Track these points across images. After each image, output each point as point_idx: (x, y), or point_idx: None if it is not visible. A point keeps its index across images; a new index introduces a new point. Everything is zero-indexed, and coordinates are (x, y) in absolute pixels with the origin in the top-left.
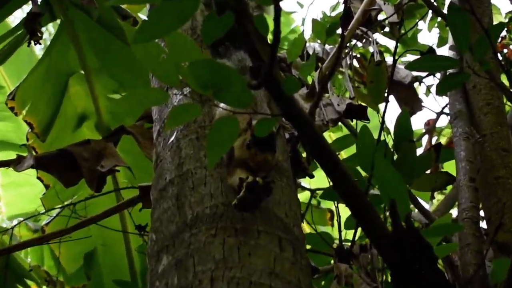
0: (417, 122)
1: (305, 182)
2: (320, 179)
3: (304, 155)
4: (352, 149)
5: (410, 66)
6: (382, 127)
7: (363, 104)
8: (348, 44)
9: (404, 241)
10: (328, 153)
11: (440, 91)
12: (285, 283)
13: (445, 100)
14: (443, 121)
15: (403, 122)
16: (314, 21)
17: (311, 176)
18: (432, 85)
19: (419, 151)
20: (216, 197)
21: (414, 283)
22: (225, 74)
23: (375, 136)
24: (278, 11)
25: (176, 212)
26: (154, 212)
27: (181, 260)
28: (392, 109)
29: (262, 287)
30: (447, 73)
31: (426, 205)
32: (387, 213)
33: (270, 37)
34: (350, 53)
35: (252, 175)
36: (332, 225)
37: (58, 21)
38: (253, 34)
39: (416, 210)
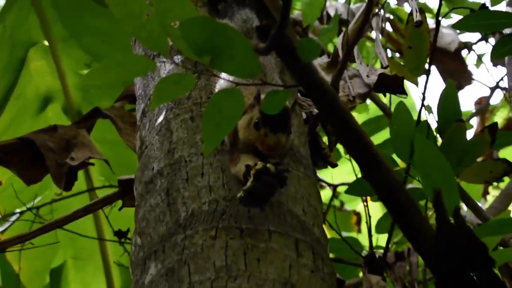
0: (466, 100)
1: (324, 175)
2: (342, 174)
3: (324, 140)
4: (384, 134)
5: (457, 25)
6: (423, 104)
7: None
8: (378, 2)
9: (453, 241)
10: (357, 132)
11: (495, 56)
12: None
13: (500, 71)
14: (498, 98)
15: (448, 98)
16: None
17: (334, 166)
18: (484, 54)
19: (469, 134)
20: (216, 190)
21: None
22: (226, 35)
23: (414, 116)
24: None
25: (166, 209)
26: (138, 211)
27: (173, 268)
28: (434, 83)
29: None
30: (505, 34)
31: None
32: (429, 212)
33: None
34: (381, 13)
35: (262, 162)
36: (359, 231)
37: None
38: None
39: (465, 207)
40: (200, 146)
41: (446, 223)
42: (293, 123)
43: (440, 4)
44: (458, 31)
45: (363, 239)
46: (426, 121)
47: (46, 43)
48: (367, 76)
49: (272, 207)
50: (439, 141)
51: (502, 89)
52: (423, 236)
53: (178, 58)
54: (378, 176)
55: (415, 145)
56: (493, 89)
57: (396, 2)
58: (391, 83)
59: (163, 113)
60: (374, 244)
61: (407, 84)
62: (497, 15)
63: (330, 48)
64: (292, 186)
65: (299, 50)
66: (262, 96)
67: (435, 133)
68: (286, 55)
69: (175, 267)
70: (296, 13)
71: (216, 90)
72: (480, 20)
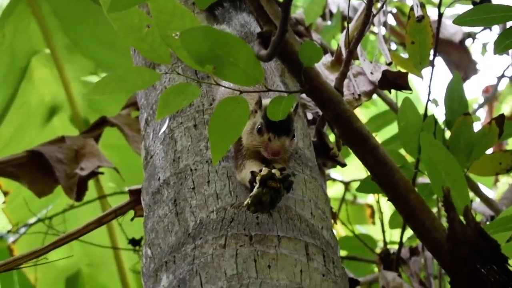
0: (472, 88)
1: (336, 172)
2: (354, 168)
3: (332, 139)
4: (392, 128)
5: (458, 20)
6: (429, 98)
7: (403, 70)
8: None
9: (464, 240)
10: (363, 136)
11: (498, 50)
12: None
13: (507, 59)
14: (504, 85)
15: (455, 91)
16: None
17: (343, 165)
18: (488, 42)
19: (477, 126)
20: (223, 198)
21: None
22: (227, 43)
23: (420, 107)
24: None
25: (174, 219)
26: (147, 222)
27: (184, 279)
28: (440, 75)
29: None
30: (508, 26)
31: (489, 193)
32: (440, 205)
33: None
34: (384, 8)
35: (267, 167)
36: (374, 223)
37: None
38: None
39: (477, 199)
40: (204, 153)
41: (457, 223)
42: (297, 125)
43: None
44: None
45: (378, 231)
46: (433, 116)
47: (48, 51)
48: (371, 73)
49: (280, 211)
50: (447, 133)
51: (510, 77)
52: (434, 237)
53: (179, 66)
54: (386, 178)
55: (422, 144)
56: (499, 78)
57: None
58: (396, 80)
59: (166, 122)
60: (388, 239)
61: (412, 76)
62: (498, 9)
63: (334, 44)
64: (299, 190)
65: (301, 55)
66: (263, 101)
67: (442, 126)
68: (288, 61)
69: (187, 278)
70: (297, 11)
71: (218, 97)
72: (482, 15)
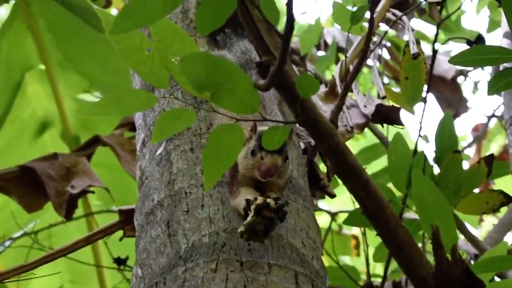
0: (461, 126)
1: (323, 202)
2: (341, 200)
3: (323, 169)
4: (381, 162)
5: (453, 60)
6: (420, 133)
7: (396, 105)
8: (376, 31)
9: (451, 278)
10: (356, 170)
11: (492, 90)
12: None
13: (497, 98)
14: (493, 123)
15: (446, 128)
16: (336, 4)
17: (332, 196)
18: (480, 80)
19: (465, 165)
20: (216, 223)
21: None
22: (225, 71)
23: (410, 143)
24: None
25: (167, 241)
26: (139, 242)
27: None
28: (430, 112)
29: None
30: (501, 68)
31: (474, 231)
32: (426, 241)
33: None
34: (379, 42)
35: (262, 196)
36: (358, 255)
37: (12, 2)
38: (260, 22)
39: (462, 237)
40: (200, 177)
41: (444, 260)
42: (292, 154)
43: (437, 33)
44: None
45: (362, 263)
46: (422, 152)
47: (42, 67)
48: (365, 106)
49: (271, 239)
50: (436, 170)
51: (499, 118)
52: (421, 273)
53: (178, 89)
54: (377, 213)
55: (413, 181)
56: (489, 118)
57: (393, 31)
58: (389, 114)
59: (163, 143)
60: (371, 271)
61: (402, 111)
62: (492, 50)
63: (328, 74)
64: (291, 219)
65: (298, 86)
66: (259, 128)
67: (432, 162)
68: (285, 92)
69: None
70: (293, 40)
71: (216, 122)
72: (476, 55)
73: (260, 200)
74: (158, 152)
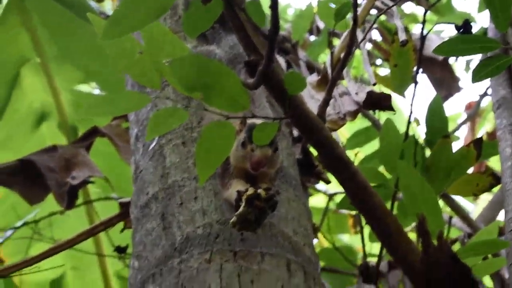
0: (455, 104)
1: (321, 183)
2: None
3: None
4: (373, 145)
5: (438, 50)
6: (410, 116)
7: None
8: (366, 18)
9: (437, 264)
10: (344, 162)
11: (476, 79)
12: None
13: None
14: (487, 101)
15: (436, 111)
16: (320, 2)
17: (327, 182)
18: (472, 59)
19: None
20: (210, 214)
21: None
22: (215, 72)
23: (402, 124)
24: None
25: (162, 233)
26: (135, 234)
27: None
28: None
29: None
30: (487, 55)
31: (470, 205)
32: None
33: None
34: (370, 29)
35: (253, 187)
36: (356, 232)
37: None
38: (247, 24)
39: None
40: (192, 170)
41: (431, 247)
42: (281, 145)
43: (424, 22)
44: (445, 38)
45: (359, 243)
46: (413, 136)
47: (38, 60)
48: (356, 93)
49: (264, 229)
50: (428, 151)
51: (490, 95)
52: (409, 259)
53: (168, 85)
54: (365, 203)
55: (399, 172)
56: (481, 96)
57: (383, 18)
58: (380, 101)
59: (156, 138)
60: (368, 251)
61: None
62: (477, 40)
63: (323, 58)
64: (282, 208)
65: (286, 83)
66: (248, 121)
67: (423, 145)
68: (274, 89)
69: None
70: (285, 26)
71: (207, 116)
72: (461, 45)
73: (251, 191)
74: (151, 147)
